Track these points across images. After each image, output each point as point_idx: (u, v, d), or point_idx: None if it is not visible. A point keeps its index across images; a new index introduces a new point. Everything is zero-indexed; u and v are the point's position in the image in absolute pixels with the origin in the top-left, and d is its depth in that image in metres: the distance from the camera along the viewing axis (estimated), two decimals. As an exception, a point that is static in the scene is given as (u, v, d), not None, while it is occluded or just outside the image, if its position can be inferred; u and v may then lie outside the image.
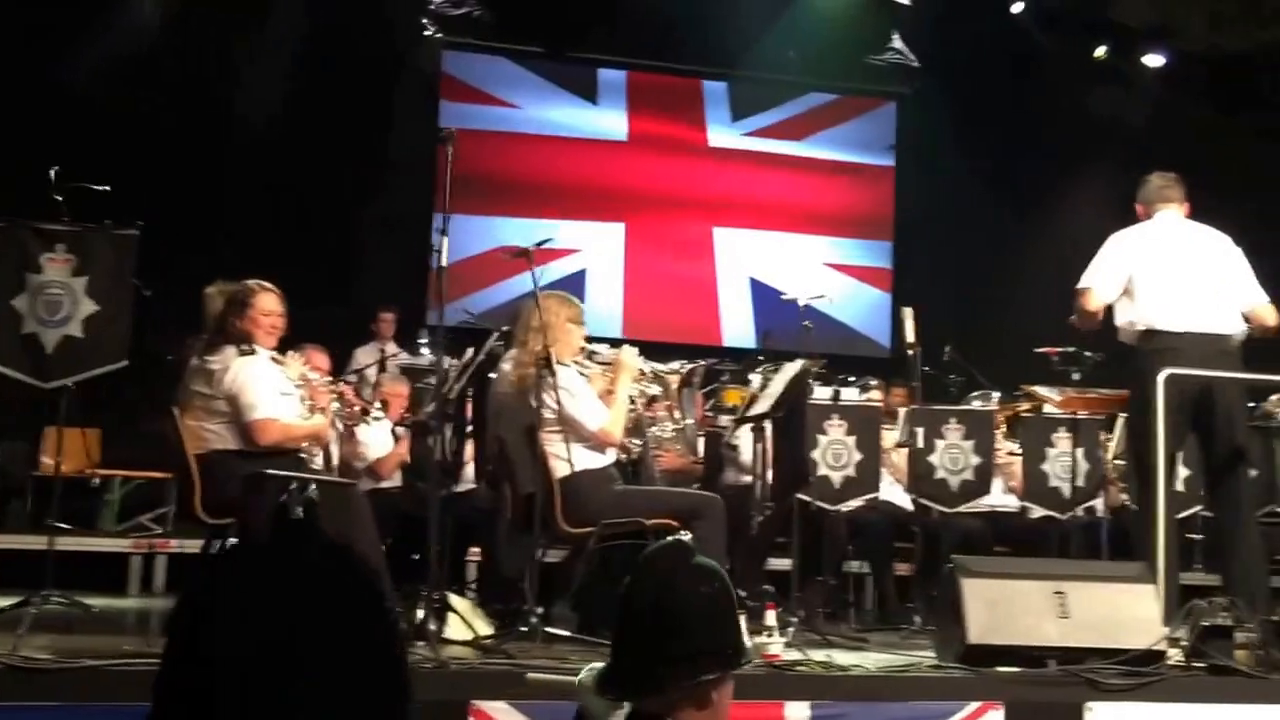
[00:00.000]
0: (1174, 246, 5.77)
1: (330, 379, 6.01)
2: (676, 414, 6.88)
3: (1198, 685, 4.53)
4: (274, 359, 5.29)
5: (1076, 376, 6.53)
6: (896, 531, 7.44)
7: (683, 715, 2.29)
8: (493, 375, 5.62)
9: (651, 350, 6.37)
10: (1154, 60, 11.95)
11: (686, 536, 2.50)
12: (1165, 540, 5.17)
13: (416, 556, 6.71)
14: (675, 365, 6.08)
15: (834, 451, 6.87)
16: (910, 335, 6.71)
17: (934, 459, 7.03)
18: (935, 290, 11.21)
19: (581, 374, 5.41)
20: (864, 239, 13.04)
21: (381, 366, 9.30)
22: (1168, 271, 5.68)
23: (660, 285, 12.38)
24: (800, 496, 6.21)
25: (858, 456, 6.90)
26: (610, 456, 5.43)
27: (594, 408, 5.28)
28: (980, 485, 7.12)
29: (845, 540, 7.22)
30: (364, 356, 9.75)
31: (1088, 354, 6.53)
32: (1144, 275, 5.69)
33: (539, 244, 5.39)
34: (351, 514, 4.79)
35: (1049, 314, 6.53)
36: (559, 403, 5.16)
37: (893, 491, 7.50)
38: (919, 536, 6.95)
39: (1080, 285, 5.83)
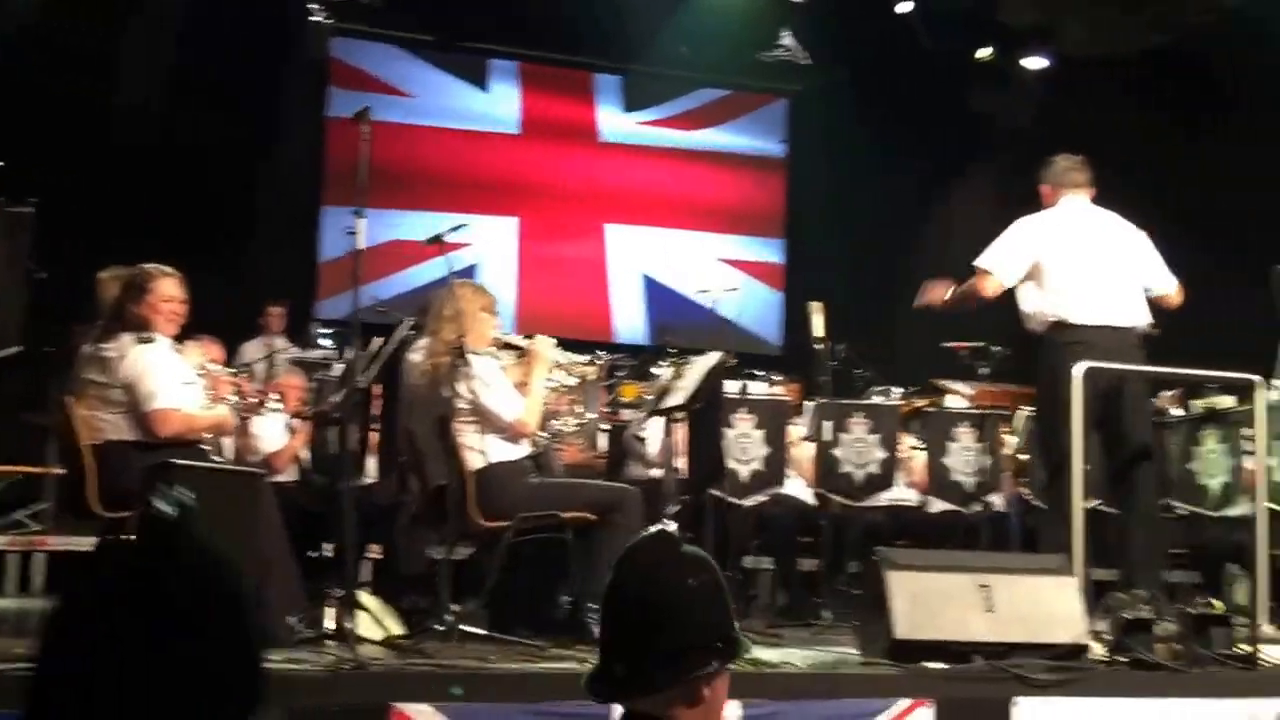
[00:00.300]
0: (1084, 235, 5.76)
1: (232, 370, 5.77)
2: (579, 408, 6.78)
3: (1121, 680, 4.52)
4: (174, 348, 5.05)
5: (984, 371, 6.56)
6: (800, 525, 7.40)
7: (676, 713, 2.18)
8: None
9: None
10: (1038, 62, 12.18)
11: (672, 527, 2.37)
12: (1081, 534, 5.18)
13: (314, 554, 6.52)
14: (587, 358, 5.95)
15: (741, 445, 6.83)
16: (819, 330, 6.68)
17: (839, 453, 7.04)
18: (829, 287, 11.22)
19: (498, 365, 5.27)
20: (756, 235, 13.08)
21: (270, 360, 9.02)
22: (1079, 262, 5.67)
23: (553, 279, 12.29)
24: (713, 491, 6.13)
25: (764, 450, 6.87)
26: (525, 449, 5.30)
27: (510, 398, 5.15)
28: (884, 479, 7.17)
29: (750, 535, 7.17)
30: (251, 351, 9.46)
31: (995, 348, 6.55)
32: (1054, 264, 5.68)
33: (453, 229, 5.22)
34: (259, 506, 4.58)
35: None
36: (473, 392, 5.01)
37: (794, 485, 7.48)
38: (826, 530, 6.91)
39: (980, 266, 5.72)
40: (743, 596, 7.21)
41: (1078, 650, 4.51)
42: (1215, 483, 7.10)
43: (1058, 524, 5.35)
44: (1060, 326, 5.64)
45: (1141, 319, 5.74)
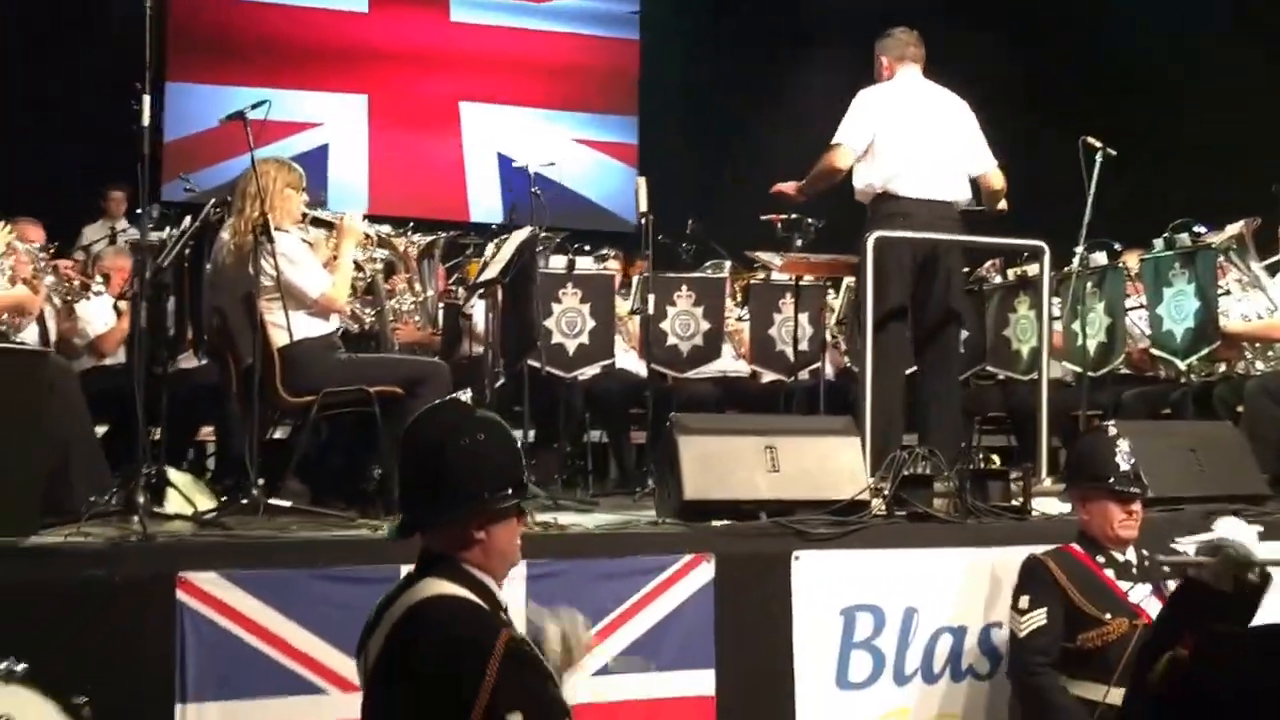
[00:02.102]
0: (916, 109, 5.89)
1: (41, 249, 5.71)
2: (417, 286, 6.82)
3: (898, 532, 4.73)
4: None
5: (799, 243, 6.71)
6: (632, 398, 7.56)
7: (457, 553, 2.63)
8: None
9: (399, 226, 6.25)
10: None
11: (465, 396, 2.81)
12: (874, 397, 5.37)
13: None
14: (399, 230, 5.98)
15: (568, 319, 6.94)
16: (643, 205, 6.76)
17: (665, 325, 7.19)
18: (680, 162, 11.37)
19: (304, 240, 5.29)
20: (609, 114, 13.08)
21: (112, 242, 8.93)
22: (907, 134, 5.80)
23: (406, 160, 12.20)
24: (531, 363, 6.23)
25: (591, 324, 6.99)
26: (334, 324, 5.33)
27: (315, 274, 5.17)
28: (710, 350, 7.33)
29: (581, 409, 7.32)
30: (92, 234, 9.38)
31: (809, 221, 6.70)
32: (885, 136, 5.80)
33: (254, 106, 5.18)
34: (47, 387, 4.51)
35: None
36: (278, 270, 5.03)
37: (627, 359, 7.62)
38: (650, 402, 7.07)
39: (834, 140, 5.85)
40: (575, 469, 7.39)
41: (858, 506, 4.71)
42: (1026, 348, 7.37)
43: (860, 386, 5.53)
44: (885, 197, 5.80)
45: (962, 193, 5.92)
